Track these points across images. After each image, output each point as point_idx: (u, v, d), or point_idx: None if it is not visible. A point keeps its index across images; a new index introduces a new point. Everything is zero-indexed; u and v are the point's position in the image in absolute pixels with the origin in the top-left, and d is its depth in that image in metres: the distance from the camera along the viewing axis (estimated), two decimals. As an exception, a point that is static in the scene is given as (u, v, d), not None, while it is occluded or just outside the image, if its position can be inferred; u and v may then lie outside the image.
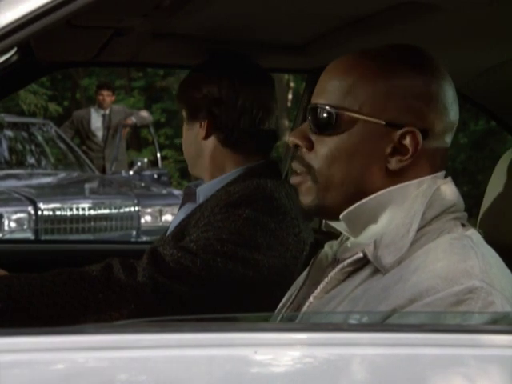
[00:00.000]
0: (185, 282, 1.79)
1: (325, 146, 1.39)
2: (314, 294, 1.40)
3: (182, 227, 1.97)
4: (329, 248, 1.49)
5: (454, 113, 1.40)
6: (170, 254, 1.82)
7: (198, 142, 2.06)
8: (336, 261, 1.43)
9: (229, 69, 2.05)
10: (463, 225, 1.36)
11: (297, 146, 1.42)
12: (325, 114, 1.38)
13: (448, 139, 1.40)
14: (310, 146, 1.41)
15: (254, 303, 1.60)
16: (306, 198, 1.41)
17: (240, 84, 2.02)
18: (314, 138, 1.41)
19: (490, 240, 1.37)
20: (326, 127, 1.38)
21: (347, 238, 1.46)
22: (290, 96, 14.10)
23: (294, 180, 1.43)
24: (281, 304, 1.53)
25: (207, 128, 2.03)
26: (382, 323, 1.23)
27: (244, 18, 1.96)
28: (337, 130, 1.38)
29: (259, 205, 1.89)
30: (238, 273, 1.82)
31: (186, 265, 1.80)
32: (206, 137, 2.04)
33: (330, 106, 1.38)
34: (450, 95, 1.39)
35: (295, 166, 1.43)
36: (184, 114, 2.10)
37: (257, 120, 2.02)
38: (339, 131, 1.38)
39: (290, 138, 1.42)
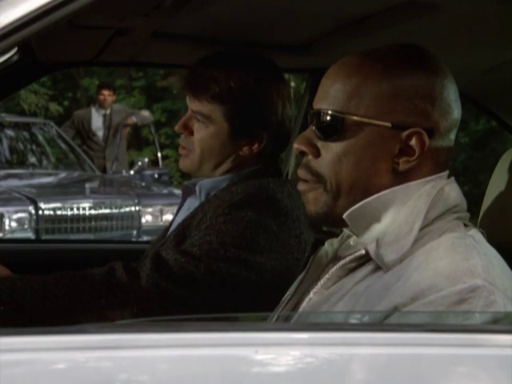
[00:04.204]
0: (188, 287, 1.79)
1: (331, 152, 1.37)
2: (315, 290, 1.40)
3: (184, 227, 1.96)
4: (329, 245, 1.49)
5: (457, 110, 1.40)
6: (174, 259, 1.81)
7: (229, 152, 1.98)
8: (337, 258, 1.43)
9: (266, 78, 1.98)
10: (465, 225, 1.36)
11: (302, 153, 1.41)
12: (330, 120, 1.37)
13: (452, 136, 1.40)
14: (316, 153, 1.39)
15: (258, 306, 1.60)
16: (314, 206, 1.40)
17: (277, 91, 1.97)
18: (319, 143, 1.39)
19: (491, 239, 1.37)
20: (332, 133, 1.37)
21: (348, 236, 1.46)
22: (290, 96, 14.09)
23: (301, 187, 1.42)
24: (280, 302, 1.53)
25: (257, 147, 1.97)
26: (383, 323, 1.23)
27: (245, 18, 1.96)
28: (343, 136, 1.36)
29: (262, 206, 1.88)
30: (241, 276, 1.82)
31: (190, 270, 1.80)
32: (253, 156, 1.97)
33: (334, 111, 1.37)
34: (453, 93, 1.39)
35: (302, 173, 1.41)
36: (225, 129, 1.96)
37: (286, 124, 2.00)
38: (345, 136, 1.36)
39: (294, 145, 1.41)
